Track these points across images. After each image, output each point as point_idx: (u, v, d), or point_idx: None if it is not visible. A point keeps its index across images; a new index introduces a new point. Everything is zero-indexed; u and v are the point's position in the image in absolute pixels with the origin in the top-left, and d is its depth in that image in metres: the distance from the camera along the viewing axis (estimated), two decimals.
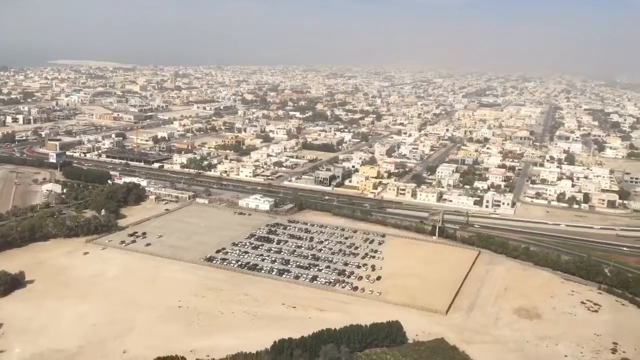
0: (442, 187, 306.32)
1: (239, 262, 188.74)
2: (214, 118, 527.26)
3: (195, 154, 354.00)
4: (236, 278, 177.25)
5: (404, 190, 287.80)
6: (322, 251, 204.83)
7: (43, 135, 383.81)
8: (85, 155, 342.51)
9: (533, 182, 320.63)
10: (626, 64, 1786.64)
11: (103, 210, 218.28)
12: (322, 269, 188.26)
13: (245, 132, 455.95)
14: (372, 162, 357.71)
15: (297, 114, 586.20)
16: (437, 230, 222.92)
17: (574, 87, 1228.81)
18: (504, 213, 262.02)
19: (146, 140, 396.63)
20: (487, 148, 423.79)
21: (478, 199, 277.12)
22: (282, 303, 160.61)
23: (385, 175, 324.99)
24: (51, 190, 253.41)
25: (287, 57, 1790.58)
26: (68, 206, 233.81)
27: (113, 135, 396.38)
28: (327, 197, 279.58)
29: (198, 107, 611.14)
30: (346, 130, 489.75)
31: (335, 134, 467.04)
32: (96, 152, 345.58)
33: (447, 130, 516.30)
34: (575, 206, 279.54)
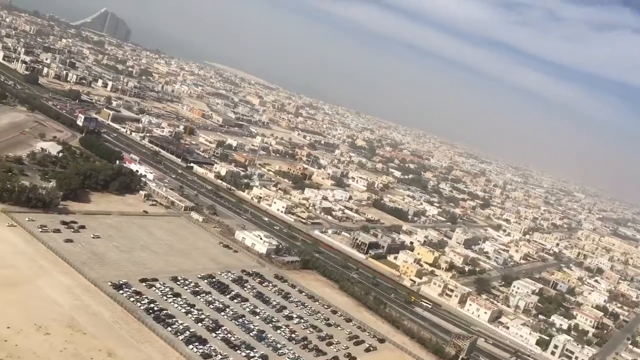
0: (509, 305, 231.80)
1: (152, 305, 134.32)
2: (305, 148, 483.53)
3: (245, 170, 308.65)
4: (125, 325, 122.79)
5: (452, 291, 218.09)
6: (279, 331, 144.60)
7: (113, 105, 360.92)
8: (130, 134, 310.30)
9: (635, 344, 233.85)
10: None
11: (52, 182, 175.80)
12: (255, 357, 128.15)
13: (324, 169, 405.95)
14: (439, 246, 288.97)
15: (396, 173, 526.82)
16: None
17: None
18: None
19: (210, 142, 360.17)
20: (595, 280, 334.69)
21: (546, 338, 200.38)
22: None
23: (445, 266, 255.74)
24: (45, 150, 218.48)
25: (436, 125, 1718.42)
26: (40, 169, 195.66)
27: (181, 127, 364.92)
28: (350, 265, 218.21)
29: (299, 134, 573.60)
30: (437, 204, 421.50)
31: (421, 204, 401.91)
32: (142, 134, 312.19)
33: (558, 244, 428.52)
34: None
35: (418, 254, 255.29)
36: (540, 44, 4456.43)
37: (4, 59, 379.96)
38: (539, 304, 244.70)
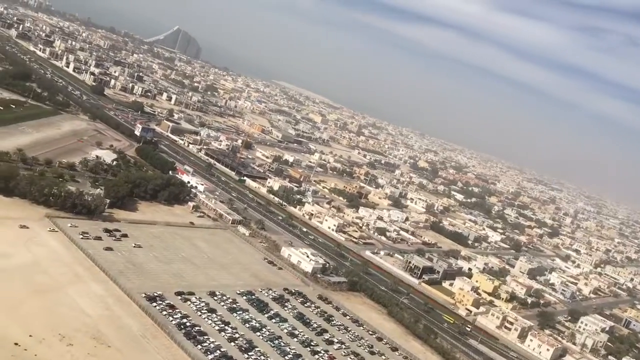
0: (575, 343, 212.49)
1: (185, 320, 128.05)
2: (364, 167, 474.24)
3: (299, 186, 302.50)
4: (153, 340, 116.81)
5: (511, 324, 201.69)
6: (317, 356, 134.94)
7: (175, 118, 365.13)
8: (187, 146, 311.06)
9: None
10: None
11: (100, 189, 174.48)
12: None
13: (382, 188, 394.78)
14: (500, 274, 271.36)
15: (459, 196, 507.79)
16: None
17: None
18: None
19: (267, 157, 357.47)
20: None
21: None
22: None
23: (505, 296, 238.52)
24: (100, 157, 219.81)
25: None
26: (92, 176, 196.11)
27: (239, 142, 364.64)
28: (401, 289, 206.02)
29: (359, 153, 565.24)
30: (500, 230, 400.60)
31: (483, 229, 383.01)
32: (199, 146, 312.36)
33: (632, 279, 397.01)
34: None
35: (476, 281, 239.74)
36: (621, 70, 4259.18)
37: (74, 71, 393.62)
38: (609, 344, 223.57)
